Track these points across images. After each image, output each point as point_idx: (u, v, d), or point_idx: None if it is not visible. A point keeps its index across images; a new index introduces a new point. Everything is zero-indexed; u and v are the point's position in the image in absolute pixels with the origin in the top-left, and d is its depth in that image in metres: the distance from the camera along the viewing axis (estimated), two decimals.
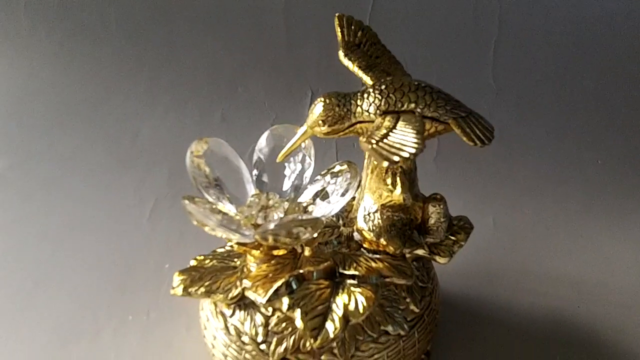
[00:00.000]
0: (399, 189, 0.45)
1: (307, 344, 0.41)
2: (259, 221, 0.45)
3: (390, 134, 0.39)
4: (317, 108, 0.43)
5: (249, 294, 0.43)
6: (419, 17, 0.88)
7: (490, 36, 0.87)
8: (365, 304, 0.41)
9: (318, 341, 0.40)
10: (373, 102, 0.42)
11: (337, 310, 0.41)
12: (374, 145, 0.38)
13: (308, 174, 0.48)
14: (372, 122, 0.42)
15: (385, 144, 0.38)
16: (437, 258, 0.47)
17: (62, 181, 0.75)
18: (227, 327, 0.46)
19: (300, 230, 0.40)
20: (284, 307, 0.42)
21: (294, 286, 0.43)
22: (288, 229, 0.40)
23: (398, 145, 0.37)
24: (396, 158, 0.36)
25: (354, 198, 0.48)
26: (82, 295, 0.59)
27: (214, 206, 0.45)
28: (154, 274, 0.61)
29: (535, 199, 0.73)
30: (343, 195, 0.45)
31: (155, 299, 0.59)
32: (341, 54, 0.47)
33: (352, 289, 0.43)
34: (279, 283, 0.42)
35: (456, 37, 0.87)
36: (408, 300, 0.46)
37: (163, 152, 0.79)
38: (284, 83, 0.87)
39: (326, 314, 0.41)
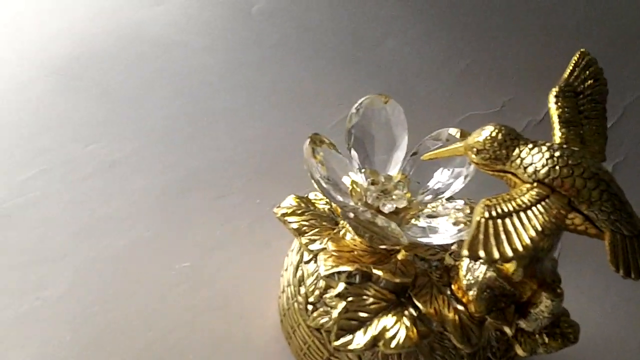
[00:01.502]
0: (514, 264, 0.40)
1: (332, 337, 0.40)
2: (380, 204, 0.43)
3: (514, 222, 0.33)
4: (481, 134, 0.39)
5: (319, 258, 0.43)
6: None
7: None
8: (402, 342, 0.39)
9: (337, 342, 0.39)
10: (536, 162, 0.37)
11: (374, 328, 0.39)
12: (482, 219, 0.33)
13: (451, 190, 0.44)
14: (523, 181, 0.37)
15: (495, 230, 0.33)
16: (517, 346, 0.42)
17: None
18: (297, 268, 0.47)
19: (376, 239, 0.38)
20: (334, 292, 0.41)
21: (357, 280, 0.42)
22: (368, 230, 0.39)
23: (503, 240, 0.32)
24: (496, 256, 0.32)
25: None
26: None
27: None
28: None
29: None
30: (450, 229, 0.41)
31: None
32: (554, 91, 0.41)
33: (404, 319, 0.40)
34: (345, 268, 0.41)
35: None
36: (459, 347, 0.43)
37: None
38: None
39: (364, 324, 0.40)
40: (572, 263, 0.60)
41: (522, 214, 0.34)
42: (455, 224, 0.42)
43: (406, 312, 0.41)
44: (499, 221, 0.33)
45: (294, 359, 0.48)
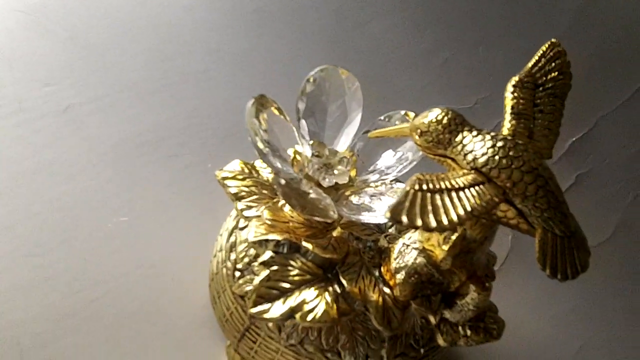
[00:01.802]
0: (445, 249, 0.38)
1: (249, 304, 0.39)
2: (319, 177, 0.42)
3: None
4: (427, 116, 0.38)
5: (251, 224, 0.42)
6: None
7: None
8: (318, 316, 0.38)
9: (254, 310, 0.38)
10: (477, 150, 0.36)
11: (293, 300, 0.38)
12: (412, 189, 0.32)
13: (396, 173, 0.43)
14: (462, 168, 0.36)
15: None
16: (438, 335, 0.41)
17: None
18: (231, 233, 0.46)
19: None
20: (260, 259, 0.40)
21: (284, 250, 0.40)
22: (302, 202, 0.37)
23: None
24: (418, 223, 0.31)
25: None
26: None
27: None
28: None
29: None
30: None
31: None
32: (513, 80, 0.40)
33: (326, 294, 0.39)
34: (274, 236, 0.40)
35: None
36: (385, 346, 0.42)
37: None
38: None
39: (284, 294, 0.39)
40: (521, 267, 0.60)
41: (453, 193, 0.33)
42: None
43: (330, 288, 0.40)
44: (429, 195, 0.32)
45: (217, 325, 0.47)
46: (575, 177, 0.67)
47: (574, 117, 0.71)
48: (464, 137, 0.36)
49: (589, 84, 0.74)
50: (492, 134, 0.36)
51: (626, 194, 0.68)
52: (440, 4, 0.81)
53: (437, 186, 0.33)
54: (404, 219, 0.30)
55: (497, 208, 0.35)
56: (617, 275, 0.63)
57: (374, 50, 0.74)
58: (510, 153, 0.35)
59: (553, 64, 0.40)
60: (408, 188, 0.32)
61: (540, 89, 0.39)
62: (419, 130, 0.38)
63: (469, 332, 0.41)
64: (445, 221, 0.31)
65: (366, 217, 0.39)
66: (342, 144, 0.45)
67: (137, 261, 0.51)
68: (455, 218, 0.31)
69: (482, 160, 0.35)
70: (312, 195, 0.39)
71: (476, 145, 0.36)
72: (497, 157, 0.35)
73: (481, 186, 0.34)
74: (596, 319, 0.59)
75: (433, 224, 0.30)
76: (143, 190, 0.55)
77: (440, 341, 0.41)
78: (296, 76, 0.67)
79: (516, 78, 0.39)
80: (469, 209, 0.32)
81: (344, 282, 0.40)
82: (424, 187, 0.32)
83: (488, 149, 0.35)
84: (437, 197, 0.32)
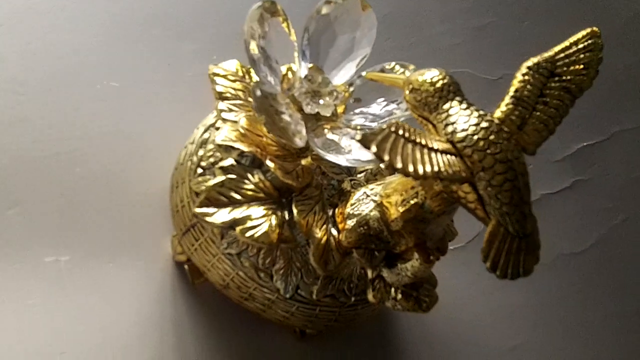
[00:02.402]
0: (400, 210, 0.38)
1: (196, 203, 0.39)
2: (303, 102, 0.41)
3: None
4: (424, 75, 0.36)
5: (223, 128, 0.41)
6: None
7: None
8: (257, 235, 0.38)
9: (198, 209, 0.38)
10: (459, 124, 0.34)
11: (239, 212, 0.38)
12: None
13: (379, 122, 0.42)
14: (440, 138, 0.35)
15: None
16: (369, 290, 0.41)
17: None
18: (207, 129, 0.45)
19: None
20: (221, 164, 0.40)
21: (246, 162, 0.40)
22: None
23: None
24: (386, 157, 0.30)
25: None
26: None
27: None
28: None
29: None
30: None
31: None
32: (530, 61, 0.37)
33: (273, 217, 0.39)
34: (241, 146, 0.39)
35: None
36: (317, 283, 0.42)
37: None
38: None
39: (233, 204, 0.39)
40: None
41: (425, 150, 0.32)
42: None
43: (279, 212, 0.40)
44: (403, 140, 0.31)
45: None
46: (572, 182, 0.66)
47: (593, 122, 0.69)
48: (451, 107, 0.35)
49: (620, 91, 0.71)
50: (482, 112, 0.35)
51: (616, 214, 0.66)
52: None
53: (413, 138, 0.32)
54: (374, 148, 0.30)
55: (459, 188, 0.35)
56: (578, 288, 0.62)
57: (413, 6, 0.70)
58: (491, 137, 0.34)
59: (582, 55, 0.37)
60: (385, 127, 0.31)
61: (556, 78, 0.36)
62: (411, 86, 0.36)
63: (399, 296, 0.41)
64: (410, 168, 0.30)
65: (331, 157, 0.39)
66: (340, 78, 0.43)
67: (115, 129, 0.51)
68: (420, 170, 0.30)
69: (460, 135, 0.34)
70: (285, 117, 0.38)
71: (460, 119, 0.35)
72: (475, 137, 0.34)
73: (453, 157, 0.33)
74: (540, 322, 0.59)
75: (399, 164, 0.30)
76: (142, 63, 0.54)
77: (370, 296, 0.41)
78: None
79: (535, 60, 0.36)
80: (436, 169, 0.31)
81: (294, 211, 0.40)
82: (401, 132, 0.31)
83: (470, 126, 0.34)
84: (410, 146, 0.31)
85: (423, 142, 0.33)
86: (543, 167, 0.65)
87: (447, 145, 0.34)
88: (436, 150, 0.33)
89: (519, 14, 0.72)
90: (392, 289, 0.41)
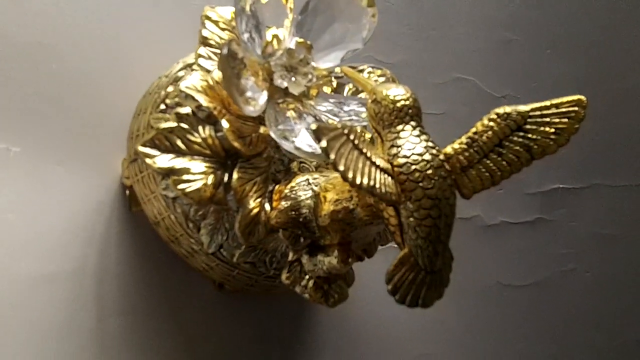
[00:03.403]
0: (331, 208, 0.39)
1: (141, 141, 0.39)
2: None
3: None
4: (390, 89, 0.36)
5: (193, 74, 0.41)
6: None
7: None
8: (189, 190, 0.38)
9: (141, 148, 0.38)
10: (404, 149, 0.35)
11: (179, 163, 0.39)
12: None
13: (344, 117, 0.42)
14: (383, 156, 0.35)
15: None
16: (284, 271, 0.42)
17: None
18: (184, 68, 0.45)
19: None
20: (178, 110, 0.40)
21: (202, 116, 0.40)
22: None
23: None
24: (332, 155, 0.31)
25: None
26: None
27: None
28: None
29: None
30: None
31: None
32: (502, 109, 0.36)
33: (211, 176, 0.39)
34: (202, 99, 0.39)
35: None
36: (239, 250, 0.43)
37: None
38: None
39: (175, 153, 0.39)
40: None
41: (368, 163, 0.33)
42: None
43: (218, 173, 0.40)
44: (351, 145, 0.32)
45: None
46: (535, 218, 0.66)
47: (577, 167, 0.68)
48: (403, 130, 0.35)
49: (613, 145, 0.70)
50: (431, 144, 0.35)
51: (566, 262, 0.67)
52: None
53: (361, 147, 0.33)
54: (324, 143, 0.30)
55: (386, 208, 0.35)
56: (502, 319, 0.64)
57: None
58: (428, 171, 0.34)
59: (558, 120, 0.36)
60: (340, 126, 0.32)
61: (521, 133, 0.36)
62: (374, 97, 0.36)
63: (310, 284, 0.42)
64: (350, 174, 0.31)
65: (275, 136, 0.39)
66: (323, 62, 0.43)
67: (104, 35, 0.50)
68: (358, 180, 0.31)
69: (400, 160, 0.34)
70: (243, 80, 0.38)
71: (407, 145, 0.35)
72: (413, 167, 0.34)
73: (390, 178, 0.34)
74: (452, 339, 0.60)
75: (341, 167, 0.31)
76: None
77: (283, 276, 0.42)
78: None
79: (507, 109, 0.36)
80: (371, 184, 0.32)
81: (234, 176, 0.40)
82: (352, 137, 0.32)
83: (413, 154, 0.34)
84: (356, 153, 0.32)
85: (369, 154, 0.33)
86: (512, 196, 0.65)
87: (388, 165, 0.34)
88: (377, 167, 0.33)
89: (545, 41, 0.70)
90: (307, 277, 0.42)
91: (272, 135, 0.39)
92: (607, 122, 0.70)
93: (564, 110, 0.36)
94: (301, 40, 0.42)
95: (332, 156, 0.31)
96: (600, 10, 0.73)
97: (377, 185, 0.33)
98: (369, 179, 0.32)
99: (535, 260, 0.65)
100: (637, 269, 0.70)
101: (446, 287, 0.37)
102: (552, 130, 0.36)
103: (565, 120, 0.36)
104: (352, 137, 0.32)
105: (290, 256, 0.42)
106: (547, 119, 0.36)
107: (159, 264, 0.49)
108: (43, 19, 0.48)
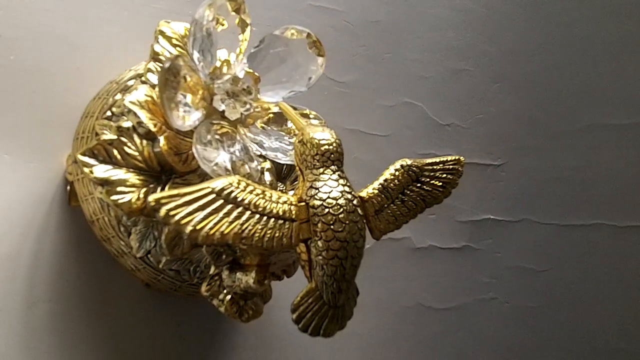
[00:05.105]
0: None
1: (80, 149, 0.41)
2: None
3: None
4: (317, 132, 0.39)
5: (140, 89, 0.43)
6: None
7: None
8: (120, 202, 0.40)
9: (81, 157, 0.40)
10: (321, 192, 0.37)
11: (117, 175, 0.40)
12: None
13: (268, 151, 0.45)
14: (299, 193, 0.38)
15: None
16: (204, 283, 0.45)
17: None
18: (135, 78, 0.46)
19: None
20: (120, 122, 0.42)
21: (143, 131, 0.42)
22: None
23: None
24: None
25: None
26: None
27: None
28: None
29: None
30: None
31: None
32: (406, 161, 0.42)
33: (143, 190, 0.41)
34: (143, 115, 0.41)
35: None
36: (165, 256, 0.45)
37: None
38: None
39: (112, 164, 0.41)
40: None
41: (256, 215, 0.35)
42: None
43: (152, 185, 0.42)
44: (224, 202, 0.35)
45: None
46: (462, 245, 0.69)
47: (510, 200, 0.72)
48: (324, 173, 0.38)
49: (547, 183, 0.74)
50: (347, 189, 0.38)
51: (487, 290, 0.71)
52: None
53: (243, 198, 0.35)
54: (163, 210, 0.33)
55: (299, 244, 0.38)
56: (419, 340, 0.67)
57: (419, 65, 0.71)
58: (340, 215, 0.37)
59: (444, 175, 0.42)
60: (206, 185, 0.35)
61: (418, 184, 0.41)
62: (302, 137, 0.39)
63: (227, 299, 0.44)
64: (216, 235, 0.35)
65: (196, 153, 0.41)
66: (266, 96, 0.45)
67: (63, 32, 0.51)
68: (219, 236, 0.35)
69: (316, 202, 0.37)
70: (178, 99, 0.40)
71: (324, 188, 0.37)
72: (327, 210, 0.37)
73: (291, 223, 0.36)
74: (367, 355, 0.63)
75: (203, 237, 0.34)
76: None
77: (203, 288, 0.45)
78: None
79: (408, 162, 0.41)
80: (256, 237, 0.35)
81: (165, 190, 0.42)
82: (233, 194, 0.34)
83: (329, 198, 0.37)
84: (236, 211, 0.35)
85: (257, 203, 0.36)
86: (444, 222, 0.68)
87: (290, 208, 0.37)
88: (269, 214, 0.37)
89: (494, 74, 0.73)
90: (225, 291, 0.44)
91: (194, 151, 0.40)
92: (544, 160, 0.74)
93: (448, 167, 0.42)
94: (250, 70, 0.44)
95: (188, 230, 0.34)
96: (552, 48, 0.76)
97: (271, 238, 0.36)
98: (251, 232, 0.36)
99: (457, 286, 0.69)
100: (554, 303, 0.74)
101: (349, 319, 0.40)
102: (440, 183, 0.42)
103: (450, 176, 0.43)
104: (234, 193, 0.36)
105: (212, 270, 0.44)
106: (437, 174, 0.42)
107: (92, 258, 0.51)
108: (6, 12, 0.50)
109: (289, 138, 0.45)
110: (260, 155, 0.44)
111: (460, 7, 0.71)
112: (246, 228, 0.35)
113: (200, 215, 0.33)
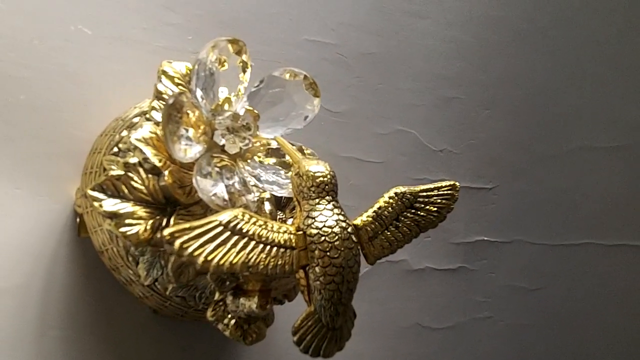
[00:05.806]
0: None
1: (91, 184, 0.44)
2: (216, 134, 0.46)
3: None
4: (312, 165, 0.41)
5: (145, 126, 0.45)
6: None
7: None
8: (129, 234, 0.42)
9: (91, 192, 0.43)
10: (317, 221, 0.40)
11: (125, 208, 0.43)
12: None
13: (265, 183, 0.47)
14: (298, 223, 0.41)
15: None
16: (210, 309, 0.47)
17: None
18: (143, 115, 0.49)
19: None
20: (127, 159, 0.44)
21: (148, 166, 0.44)
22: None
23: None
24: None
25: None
26: None
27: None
28: None
29: None
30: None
31: None
32: (400, 188, 0.44)
33: (150, 222, 0.43)
34: (149, 152, 0.44)
35: None
36: (172, 284, 0.47)
37: None
38: None
39: (121, 199, 0.43)
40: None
41: (260, 245, 0.38)
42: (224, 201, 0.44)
43: (158, 217, 0.44)
44: (236, 237, 0.37)
45: None
46: (457, 266, 0.72)
47: (501, 221, 0.74)
48: (319, 203, 0.40)
49: (544, 204, 0.77)
50: (342, 217, 0.40)
51: (482, 309, 0.73)
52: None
53: (247, 229, 0.37)
54: (177, 243, 0.36)
55: (298, 271, 0.40)
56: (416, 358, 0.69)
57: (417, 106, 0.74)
58: (336, 242, 0.39)
59: (439, 200, 0.44)
60: (214, 218, 0.37)
61: (412, 211, 0.43)
62: (297, 170, 0.41)
63: (231, 323, 0.46)
64: (224, 264, 0.37)
65: (196, 184, 0.43)
66: (265, 132, 0.48)
67: (71, 72, 0.54)
68: (227, 265, 0.37)
69: (312, 231, 0.39)
70: (180, 132, 0.42)
71: (320, 217, 0.40)
72: (323, 238, 0.39)
73: (292, 251, 0.39)
74: None
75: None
76: (119, 18, 0.57)
77: (208, 313, 0.47)
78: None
79: (402, 189, 0.43)
80: (257, 266, 0.38)
81: (172, 222, 0.45)
82: (239, 226, 0.37)
83: (325, 226, 0.40)
84: (242, 242, 0.37)
85: (260, 234, 0.39)
86: (439, 244, 0.70)
87: (290, 237, 0.39)
88: (271, 243, 0.39)
89: (485, 101, 0.76)
90: (229, 316, 0.47)
91: (194, 182, 0.43)
92: (534, 183, 0.77)
93: (443, 192, 0.44)
94: (250, 108, 0.47)
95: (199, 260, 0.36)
96: (539, 75, 0.79)
97: (273, 264, 0.39)
98: (254, 261, 0.38)
99: (454, 306, 0.71)
100: (546, 320, 0.77)
101: (347, 340, 0.42)
102: (435, 209, 0.44)
103: (445, 200, 0.45)
104: (239, 225, 0.38)
105: (216, 296, 0.47)
106: (432, 200, 0.44)
107: (101, 286, 0.53)
108: (17, 54, 0.52)
109: (284, 172, 0.48)
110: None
111: (450, 38, 0.74)
112: (252, 257, 0.37)
113: (210, 247, 0.36)
